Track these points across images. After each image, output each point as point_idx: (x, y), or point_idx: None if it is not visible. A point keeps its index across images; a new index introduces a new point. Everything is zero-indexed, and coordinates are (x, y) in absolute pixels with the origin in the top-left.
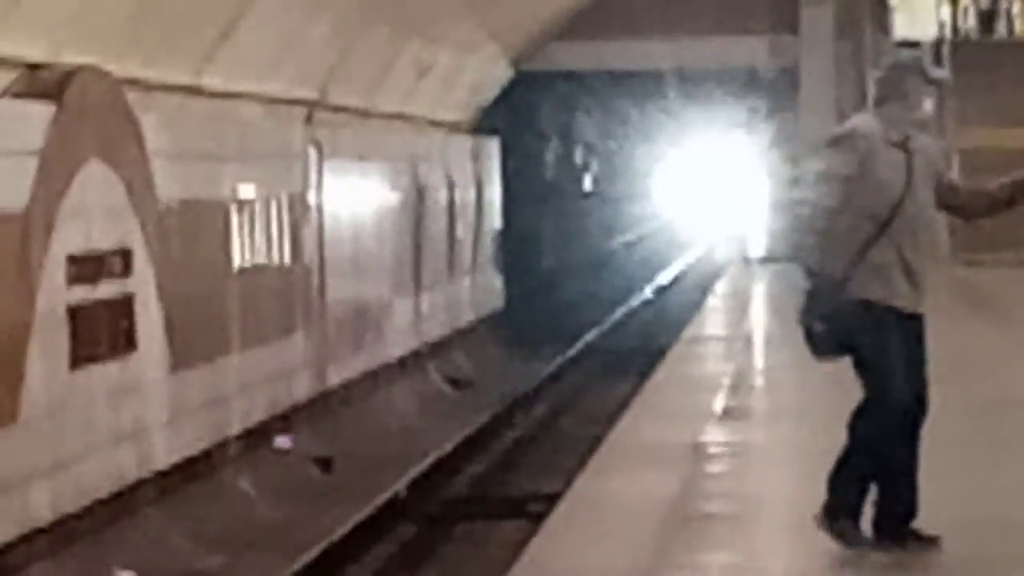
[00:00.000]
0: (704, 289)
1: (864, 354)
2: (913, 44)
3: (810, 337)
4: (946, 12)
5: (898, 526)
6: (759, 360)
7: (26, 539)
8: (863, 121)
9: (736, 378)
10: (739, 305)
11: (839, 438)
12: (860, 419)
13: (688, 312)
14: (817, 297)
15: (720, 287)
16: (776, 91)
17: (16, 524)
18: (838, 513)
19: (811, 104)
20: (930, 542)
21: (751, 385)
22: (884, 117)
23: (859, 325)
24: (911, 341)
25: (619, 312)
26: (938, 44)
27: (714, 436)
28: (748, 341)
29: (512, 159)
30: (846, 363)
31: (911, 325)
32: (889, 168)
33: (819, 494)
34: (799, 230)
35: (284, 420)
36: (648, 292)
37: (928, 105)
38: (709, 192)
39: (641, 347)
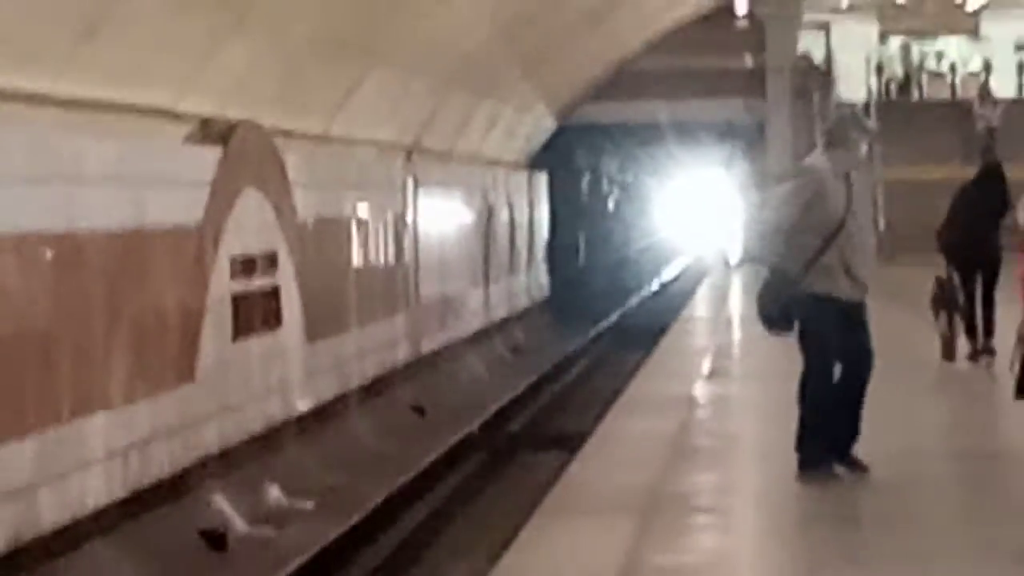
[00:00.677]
0: (695, 284)
1: (808, 333)
2: (850, 104)
3: (765, 317)
4: (873, 81)
5: (841, 456)
6: (736, 335)
7: (202, 463)
8: (816, 160)
9: (719, 348)
10: (720, 296)
11: (791, 393)
12: (806, 385)
13: (684, 300)
14: (773, 288)
15: (707, 282)
16: (748, 139)
17: (194, 452)
18: (805, 466)
19: (774, 148)
20: (862, 468)
21: (730, 353)
22: (832, 157)
23: (807, 312)
24: (851, 322)
25: (634, 300)
26: (867, 104)
27: (703, 390)
28: (728, 321)
29: (556, 188)
30: (782, 339)
31: (852, 311)
32: (835, 196)
33: (780, 433)
34: (764, 239)
35: (390, 377)
36: (655, 285)
37: (864, 148)
38: (698, 214)
39: (650, 325)
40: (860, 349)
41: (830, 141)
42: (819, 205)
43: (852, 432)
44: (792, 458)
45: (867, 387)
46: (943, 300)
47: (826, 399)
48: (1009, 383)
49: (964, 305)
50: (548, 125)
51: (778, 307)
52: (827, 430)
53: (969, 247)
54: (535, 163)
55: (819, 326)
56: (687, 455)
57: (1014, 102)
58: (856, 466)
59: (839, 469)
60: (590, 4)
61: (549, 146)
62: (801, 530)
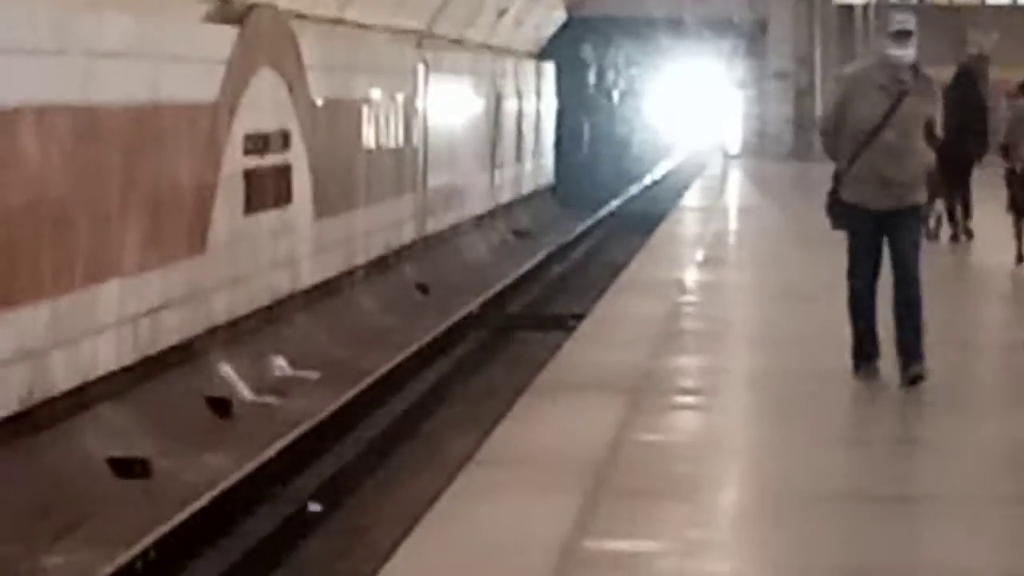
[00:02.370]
0: (695, 175)
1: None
2: (849, 7)
3: (828, 210)
4: None
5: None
6: (732, 224)
7: (211, 332)
8: (854, 65)
9: (714, 236)
10: (718, 186)
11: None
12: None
13: (683, 189)
14: (833, 185)
15: (706, 173)
16: (750, 36)
17: (203, 321)
18: (857, 361)
19: (775, 47)
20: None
21: (726, 241)
22: (866, 64)
23: (842, 216)
24: (885, 233)
25: (636, 188)
26: (865, 7)
27: (695, 276)
28: (724, 211)
29: (564, 79)
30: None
31: (886, 221)
32: (868, 103)
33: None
34: (822, 137)
35: (395, 255)
36: (657, 175)
37: (906, 54)
38: (700, 107)
39: (651, 212)
40: (896, 263)
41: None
42: (850, 110)
43: (903, 346)
44: (783, 342)
45: (911, 303)
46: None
47: (853, 303)
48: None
49: (945, 196)
50: (558, 16)
51: (834, 204)
52: (858, 335)
53: (947, 145)
54: (543, 54)
55: (848, 232)
56: (677, 338)
57: (998, 8)
58: (905, 374)
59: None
60: None
61: (558, 37)
62: (790, 413)
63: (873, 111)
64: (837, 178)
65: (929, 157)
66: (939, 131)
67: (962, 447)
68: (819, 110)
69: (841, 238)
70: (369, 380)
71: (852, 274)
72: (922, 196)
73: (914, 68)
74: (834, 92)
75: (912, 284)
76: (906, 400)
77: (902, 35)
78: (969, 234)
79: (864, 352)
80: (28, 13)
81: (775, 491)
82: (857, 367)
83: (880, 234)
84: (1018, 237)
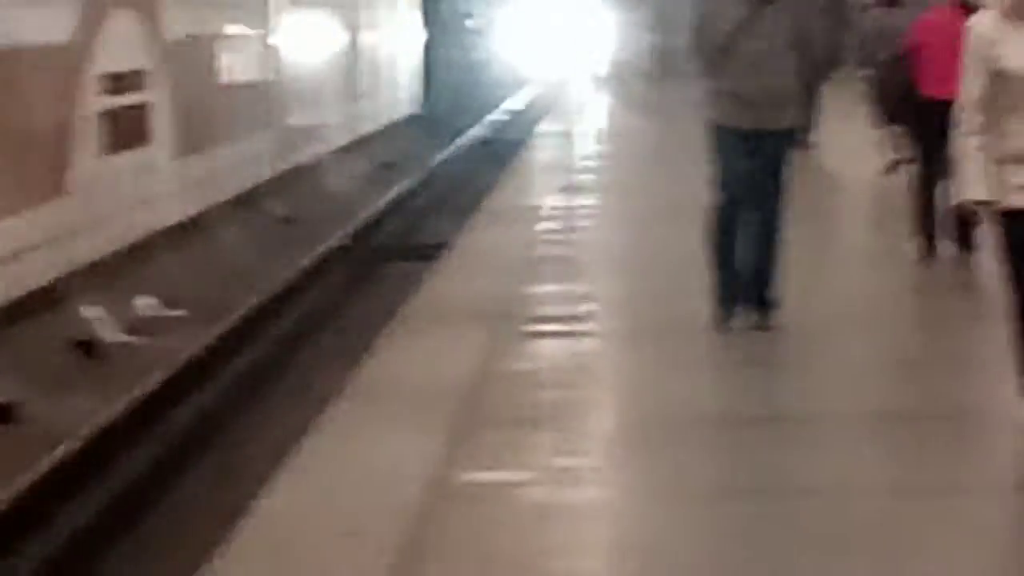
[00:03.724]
0: (560, 97)
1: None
2: None
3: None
4: None
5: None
6: (595, 148)
7: (73, 274)
8: None
9: (576, 160)
10: (583, 109)
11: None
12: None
13: (548, 113)
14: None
15: (572, 96)
16: None
17: (65, 264)
18: (714, 308)
19: None
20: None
21: (585, 166)
22: None
23: (706, 139)
24: (752, 154)
25: (497, 114)
26: None
27: (557, 202)
28: (587, 135)
29: (429, 7)
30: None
31: (753, 141)
32: (725, 15)
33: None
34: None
35: (258, 191)
36: (520, 99)
37: None
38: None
39: (514, 140)
40: (762, 184)
41: None
42: (711, 22)
43: (758, 275)
44: (645, 266)
45: (776, 229)
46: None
47: (713, 235)
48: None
49: None
50: None
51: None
52: (721, 271)
53: None
54: None
55: (711, 154)
56: (539, 266)
57: None
58: (763, 310)
59: (743, 315)
60: None
61: None
62: (654, 338)
63: (730, 21)
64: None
65: (803, 76)
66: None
67: (826, 367)
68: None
69: (700, 156)
70: (235, 316)
71: (715, 197)
72: (791, 118)
73: None
74: (698, 7)
75: (770, 220)
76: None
77: None
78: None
79: (728, 296)
80: None
81: (643, 417)
82: (724, 315)
83: (750, 154)
84: (883, 150)
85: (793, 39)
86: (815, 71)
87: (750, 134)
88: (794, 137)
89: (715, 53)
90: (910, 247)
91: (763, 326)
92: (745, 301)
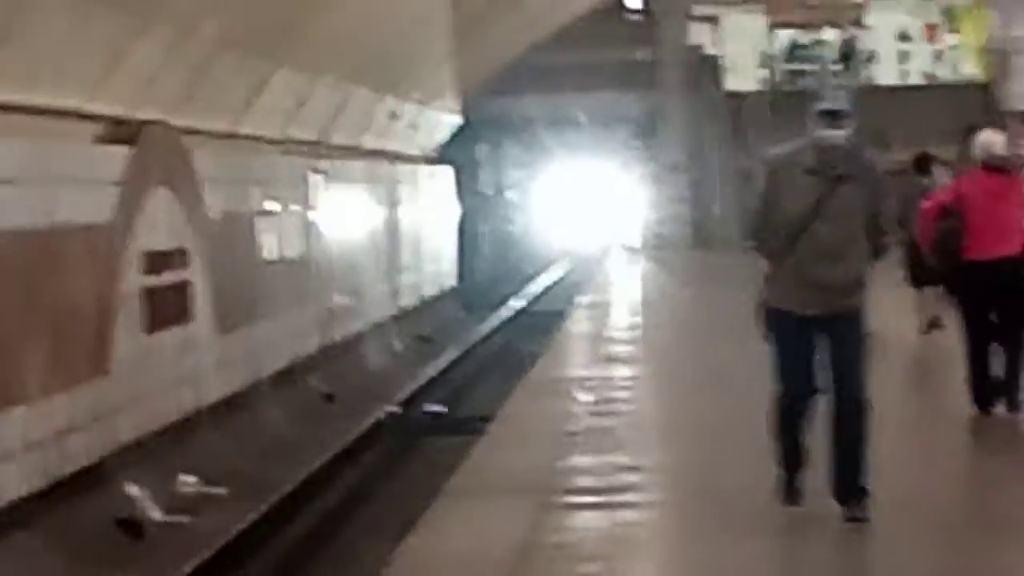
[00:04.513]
0: (596, 269)
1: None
2: (738, 95)
3: (760, 317)
4: (763, 72)
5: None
6: (634, 318)
7: (117, 454)
8: (781, 148)
9: (617, 331)
10: (622, 278)
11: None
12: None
13: (585, 285)
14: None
15: (606, 268)
16: (642, 128)
17: (110, 442)
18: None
19: (667, 139)
20: (850, 516)
21: (624, 337)
22: (795, 145)
23: (766, 322)
24: (814, 342)
25: (534, 286)
26: (761, 93)
27: (595, 373)
28: (626, 305)
29: (463, 182)
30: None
31: (817, 327)
32: (796, 192)
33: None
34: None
35: (300, 367)
36: (557, 270)
37: (825, 132)
38: (599, 204)
39: (551, 310)
40: (835, 371)
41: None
42: (777, 201)
43: (838, 476)
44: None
45: (854, 430)
46: None
47: (775, 424)
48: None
49: None
50: (454, 119)
51: (764, 311)
52: (784, 461)
53: None
54: (441, 157)
55: (772, 339)
56: (585, 436)
57: (893, 89)
58: (849, 511)
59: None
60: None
61: (455, 140)
62: (699, 509)
63: (803, 200)
64: (769, 281)
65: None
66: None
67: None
68: (717, 201)
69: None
70: (279, 493)
71: (778, 388)
72: (863, 299)
73: (851, 151)
74: (760, 180)
75: (855, 408)
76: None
77: (830, 114)
78: None
79: (793, 475)
80: None
81: None
82: (788, 496)
83: (812, 342)
84: (921, 310)
85: (868, 220)
86: (886, 250)
87: (818, 320)
88: (866, 317)
89: (786, 237)
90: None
91: (858, 517)
92: (833, 494)
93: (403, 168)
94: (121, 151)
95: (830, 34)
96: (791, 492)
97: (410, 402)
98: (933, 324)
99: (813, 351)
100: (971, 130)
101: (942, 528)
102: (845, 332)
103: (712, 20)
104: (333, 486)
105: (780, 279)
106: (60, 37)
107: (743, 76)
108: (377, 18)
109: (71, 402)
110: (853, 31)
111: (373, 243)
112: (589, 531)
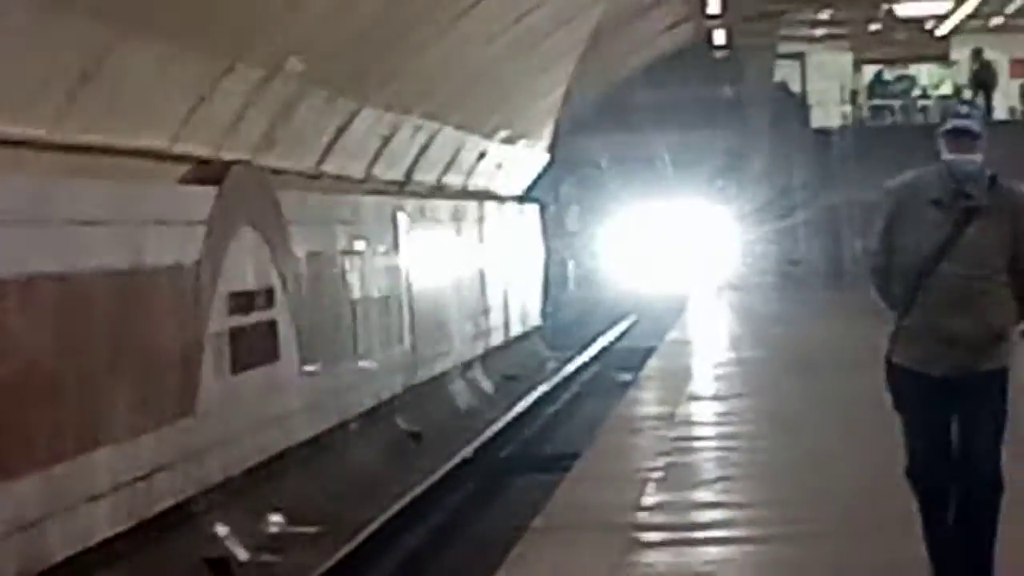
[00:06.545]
0: (682, 309)
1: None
2: (825, 131)
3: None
4: (848, 108)
5: None
6: (721, 356)
7: (204, 493)
8: (908, 175)
9: (702, 368)
10: (709, 315)
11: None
12: None
13: (670, 325)
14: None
15: (694, 306)
16: (728, 165)
17: (197, 482)
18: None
19: (751, 175)
20: None
21: (713, 374)
22: (922, 172)
23: (888, 383)
24: (948, 407)
25: (624, 323)
26: (843, 128)
27: (684, 409)
28: (715, 341)
29: (548, 220)
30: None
31: (947, 390)
32: (920, 226)
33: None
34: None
35: (387, 405)
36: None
37: (955, 157)
38: (686, 240)
39: (637, 348)
40: (962, 451)
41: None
42: (899, 237)
43: (962, 568)
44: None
45: (982, 516)
46: None
47: (923, 509)
48: None
49: None
50: (540, 158)
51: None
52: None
53: None
54: (527, 195)
55: (895, 405)
56: (669, 472)
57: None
58: None
59: None
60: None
61: (541, 178)
62: (790, 542)
63: (929, 237)
64: (893, 335)
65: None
66: None
67: None
68: (802, 240)
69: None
70: (366, 532)
71: (912, 467)
72: (1005, 356)
73: (987, 178)
74: (881, 213)
75: (985, 491)
76: None
77: (960, 135)
78: None
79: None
80: (7, 185)
81: None
82: None
83: (946, 408)
84: None
85: (1009, 261)
86: None
87: (948, 382)
88: (1006, 381)
89: (910, 281)
90: None
91: None
92: None
93: (490, 206)
94: (207, 191)
95: (915, 69)
96: None
97: (497, 440)
98: None
99: (948, 422)
100: None
101: None
102: (979, 398)
103: (798, 57)
104: (420, 525)
105: (904, 331)
106: (147, 78)
107: (828, 112)
108: (466, 57)
109: (158, 442)
110: (974, 63)
111: (459, 282)
112: (674, 568)
